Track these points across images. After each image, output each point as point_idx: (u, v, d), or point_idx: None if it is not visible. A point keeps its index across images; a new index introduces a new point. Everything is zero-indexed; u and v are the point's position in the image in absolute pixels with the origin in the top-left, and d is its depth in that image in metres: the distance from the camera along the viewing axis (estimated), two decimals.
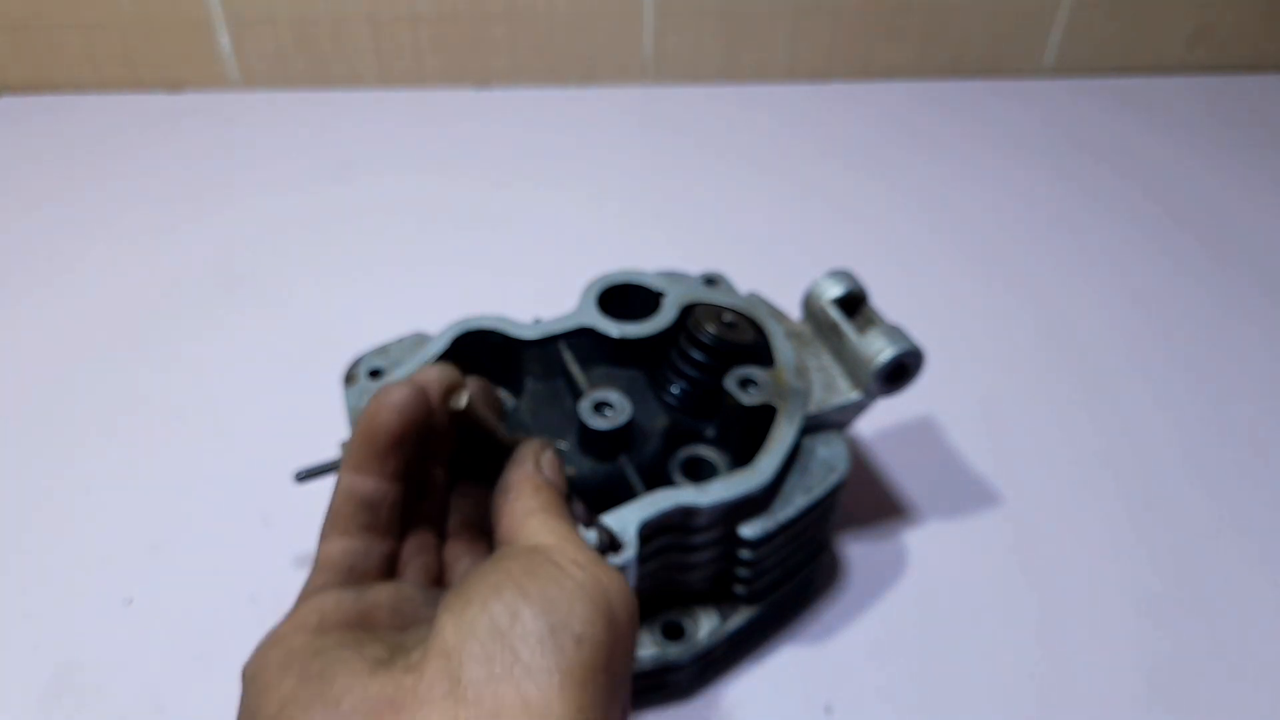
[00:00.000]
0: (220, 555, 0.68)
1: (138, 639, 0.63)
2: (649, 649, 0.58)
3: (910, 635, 0.62)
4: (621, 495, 0.54)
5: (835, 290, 0.64)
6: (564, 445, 0.57)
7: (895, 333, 0.60)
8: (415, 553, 0.42)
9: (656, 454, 0.59)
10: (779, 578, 0.61)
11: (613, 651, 0.33)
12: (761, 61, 1.15)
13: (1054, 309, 0.87)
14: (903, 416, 0.76)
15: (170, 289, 0.89)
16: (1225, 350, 0.83)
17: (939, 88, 1.16)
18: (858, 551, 0.67)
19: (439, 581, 0.42)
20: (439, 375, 0.41)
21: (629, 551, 0.49)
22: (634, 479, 0.56)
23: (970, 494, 0.71)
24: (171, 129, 1.09)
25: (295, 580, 0.66)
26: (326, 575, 0.38)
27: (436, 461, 0.42)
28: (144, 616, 0.64)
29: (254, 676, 0.34)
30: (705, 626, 0.59)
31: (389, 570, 0.40)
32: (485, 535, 0.44)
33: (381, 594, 0.38)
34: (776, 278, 0.77)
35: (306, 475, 0.60)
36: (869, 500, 0.71)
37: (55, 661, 0.61)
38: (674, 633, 0.59)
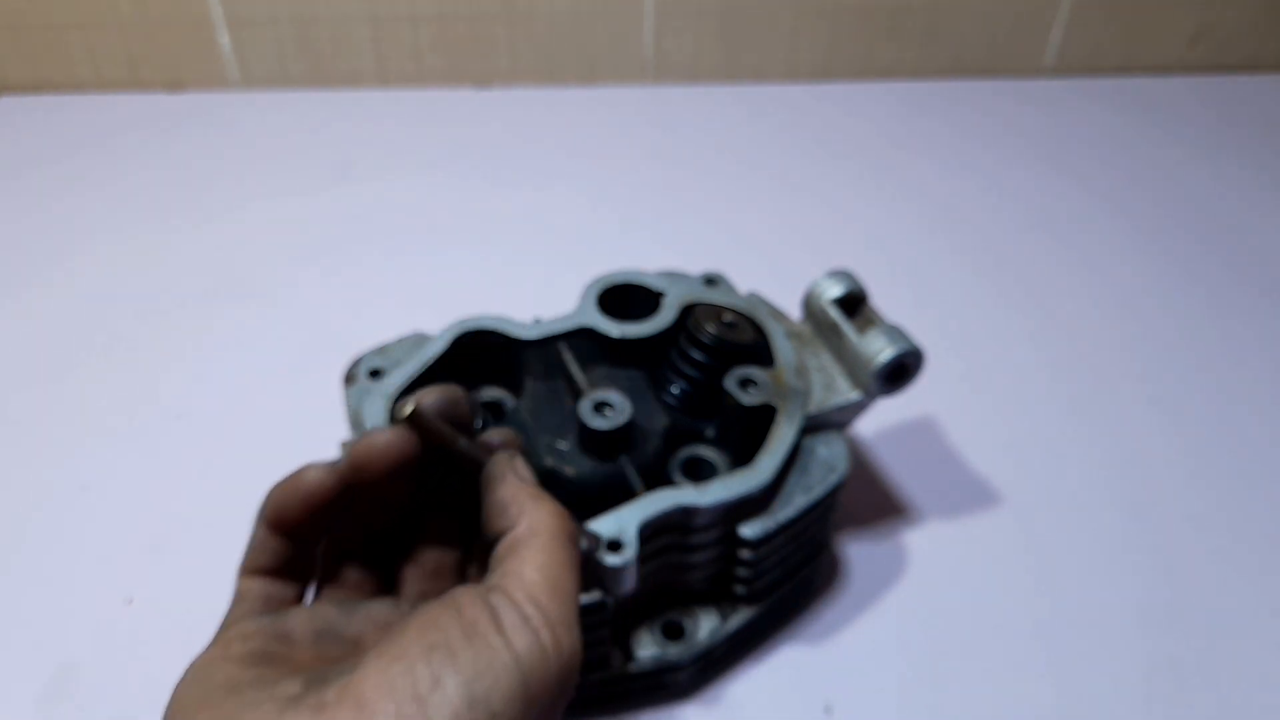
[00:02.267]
0: (221, 555, 0.67)
1: (138, 639, 0.63)
2: (649, 649, 0.58)
3: (910, 635, 0.62)
4: (621, 495, 0.54)
5: (835, 290, 0.64)
6: (564, 446, 0.57)
7: (895, 333, 0.60)
8: (351, 571, 0.42)
9: (657, 454, 0.59)
10: (779, 578, 0.61)
11: None
12: (761, 61, 1.15)
13: (1054, 308, 0.87)
14: (903, 416, 0.76)
15: (170, 288, 0.89)
16: (1225, 349, 0.83)
17: (939, 87, 1.16)
18: (858, 551, 0.67)
19: (380, 591, 0.42)
20: (383, 444, 0.39)
21: (629, 551, 0.49)
22: (634, 479, 0.56)
23: (970, 494, 0.72)
24: (172, 129, 1.09)
25: None
26: (245, 606, 0.39)
27: (380, 505, 0.41)
28: (144, 616, 0.64)
29: (174, 712, 0.34)
30: (705, 626, 0.60)
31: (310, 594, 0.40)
32: (448, 563, 0.43)
33: (299, 618, 0.38)
34: (776, 278, 0.77)
35: None
36: (869, 500, 0.71)
37: (55, 661, 0.61)
38: (674, 633, 0.59)
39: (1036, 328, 0.85)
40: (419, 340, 0.63)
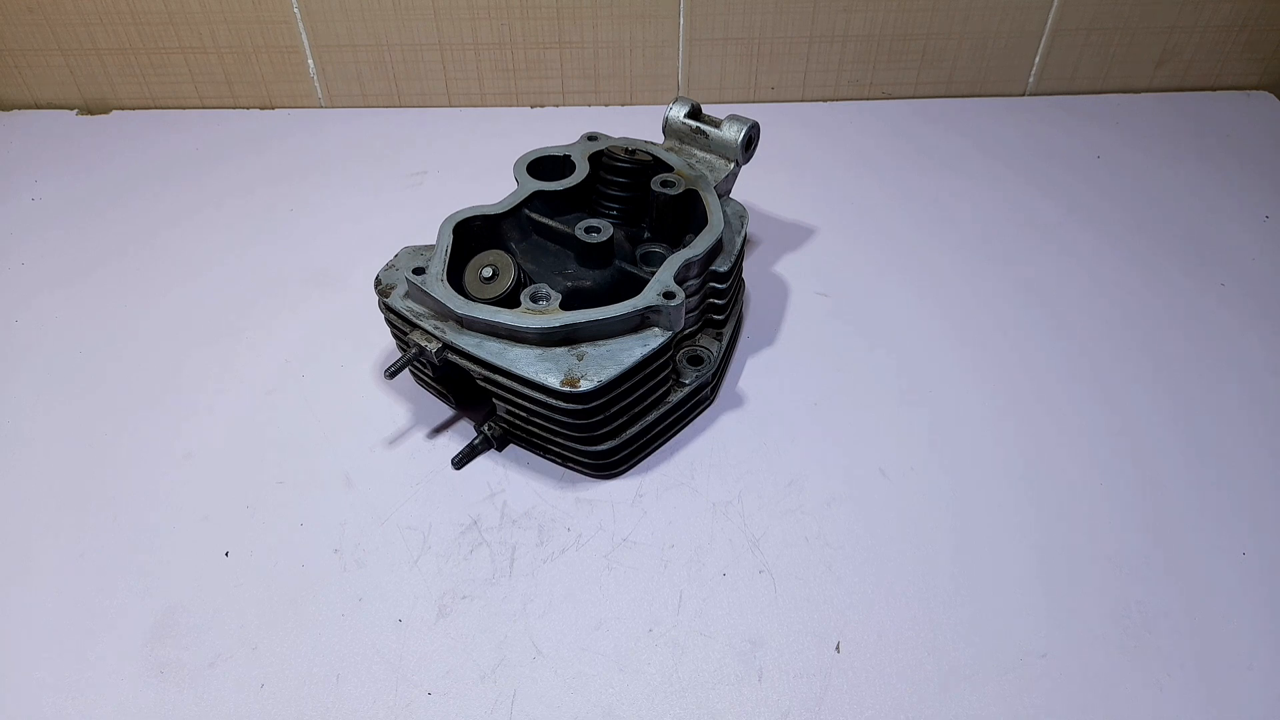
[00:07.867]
0: (307, 512, 0.67)
1: (234, 587, 0.63)
2: (689, 376, 0.69)
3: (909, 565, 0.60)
4: (629, 285, 0.65)
5: (684, 110, 0.79)
6: (570, 270, 0.67)
7: (738, 119, 0.77)
8: None
9: (628, 254, 0.71)
10: (735, 301, 0.76)
11: None
12: (779, 83, 1.13)
13: (1033, 291, 0.85)
14: (909, 410, 0.75)
15: (262, 280, 0.88)
16: (1189, 337, 0.81)
17: (934, 105, 1.13)
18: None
19: None
20: None
21: (681, 295, 0.62)
22: (636, 268, 0.68)
23: (967, 474, 0.70)
24: (264, 142, 1.07)
25: (374, 534, 0.65)
26: None
27: None
28: (239, 566, 0.64)
29: None
30: (713, 349, 0.71)
31: None
32: None
33: None
34: (791, 260, 0.81)
35: (393, 371, 0.65)
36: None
37: (162, 605, 0.62)
38: (697, 360, 0.71)
39: (1019, 310, 0.83)
40: (413, 250, 0.68)
